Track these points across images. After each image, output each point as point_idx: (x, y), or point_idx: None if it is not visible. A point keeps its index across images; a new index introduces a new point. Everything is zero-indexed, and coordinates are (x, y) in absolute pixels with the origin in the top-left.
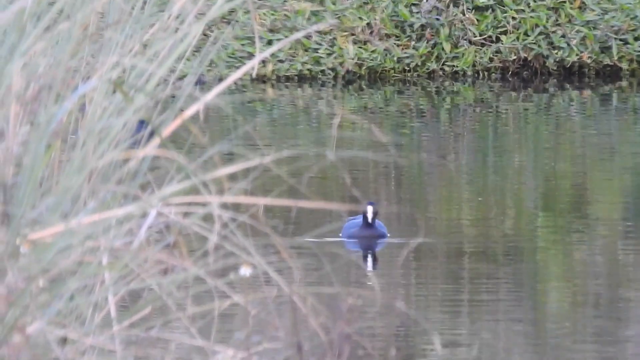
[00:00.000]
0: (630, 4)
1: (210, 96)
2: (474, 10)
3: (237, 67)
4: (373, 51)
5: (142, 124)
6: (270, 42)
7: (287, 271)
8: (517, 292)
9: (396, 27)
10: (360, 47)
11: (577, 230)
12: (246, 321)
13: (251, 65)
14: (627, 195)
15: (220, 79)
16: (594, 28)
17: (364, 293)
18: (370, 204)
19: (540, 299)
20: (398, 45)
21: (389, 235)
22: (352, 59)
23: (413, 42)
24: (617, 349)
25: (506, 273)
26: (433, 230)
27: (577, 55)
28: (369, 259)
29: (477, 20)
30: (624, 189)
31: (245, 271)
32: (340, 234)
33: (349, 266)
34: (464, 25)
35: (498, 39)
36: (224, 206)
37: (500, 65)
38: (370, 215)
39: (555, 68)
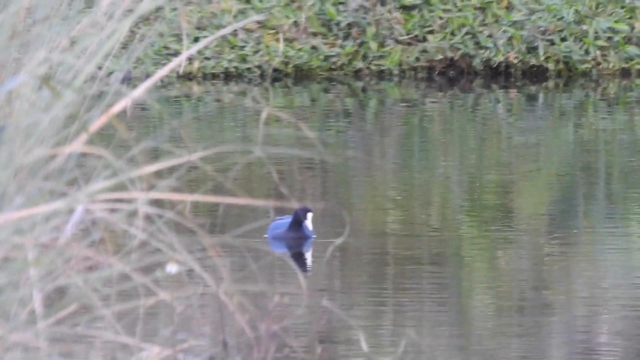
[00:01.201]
0: (556, 4)
1: (137, 93)
2: (400, 10)
3: (164, 64)
4: (300, 49)
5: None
6: (197, 40)
7: (214, 269)
8: (441, 293)
9: (323, 25)
10: (287, 45)
11: (502, 232)
12: (172, 318)
13: (178, 62)
14: (552, 197)
15: (147, 76)
16: (521, 28)
17: (290, 291)
18: (307, 210)
19: (465, 300)
20: (325, 44)
21: (314, 236)
22: (279, 56)
23: (340, 41)
24: (540, 351)
25: (431, 273)
26: (358, 230)
27: (503, 55)
28: (295, 258)
29: (404, 19)
30: (549, 191)
31: (171, 268)
32: (266, 234)
33: (275, 265)
34: (390, 24)
35: (425, 39)
36: (151, 203)
37: (427, 64)
38: (309, 223)
39: (481, 68)
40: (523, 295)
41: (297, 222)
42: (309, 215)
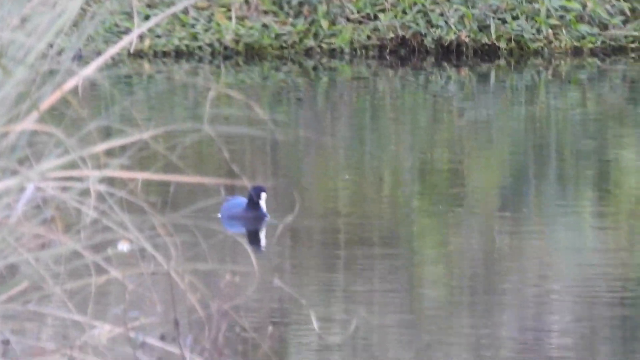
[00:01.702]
0: None
1: (88, 71)
2: None
3: (115, 42)
4: (251, 27)
5: None
6: (147, 17)
7: (165, 247)
8: (392, 273)
9: (274, 3)
10: (238, 23)
11: (453, 211)
12: (123, 296)
13: (129, 40)
14: (504, 176)
15: (98, 54)
16: (473, 7)
17: (241, 270)
18: (262, 189)
19: (416, 279)
20: (276, 22)
21: (269, 216)
22: (229, 35)
23: (291, 19)
24: (492, 330)
25: (382, 253)
26: (310, 209)
27: (455, 33)
28: (247, 237)
29: None
30: (500, 170)
31: (122, 246)
32: (220, 214)
33: (226, 244)
34: (341, 2)
35: (376, 17)
36: (102, 181)
37: (378, 43)
38: (263, 203)
39: (433, 46)
40: (474, 274)
41: (253, 202)
42: (263, 195)
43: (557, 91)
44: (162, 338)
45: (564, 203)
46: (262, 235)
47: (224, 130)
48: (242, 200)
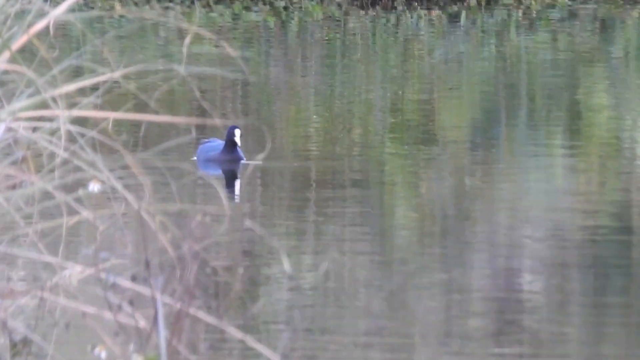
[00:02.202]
0: None
1: (59, 11)
2: None
3: None
4: None
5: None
6: None
7: (136, 188)
8: (363, 216)
9: None
10: None
11: (424, 153)
12: (94, 237)
13: None
14: (474, 117)
15: None
16: None
17: (212, 211)
18: (235, 127)
19: (387, 222)
20: None
21: (245, 158)
22: None
23: None
24: (463, 275)
25: (353, 196)
26: (281, 151)
27: None
28: (224, 179)
29: None
30: (471, 111)
31: (93, 187)
32: (196, 157)
33: (197, 184)
34: None
35: None
36: (73, 121)
37: None
38: (237, 139)
39: None
40: (445, 217)
41: (232, 143)
42: (237, 131)
43: (527, 31)
44: (133, 279)
45: (534, 143)
46: (238, 177)
47: (196, 70)
48: (219, 143)
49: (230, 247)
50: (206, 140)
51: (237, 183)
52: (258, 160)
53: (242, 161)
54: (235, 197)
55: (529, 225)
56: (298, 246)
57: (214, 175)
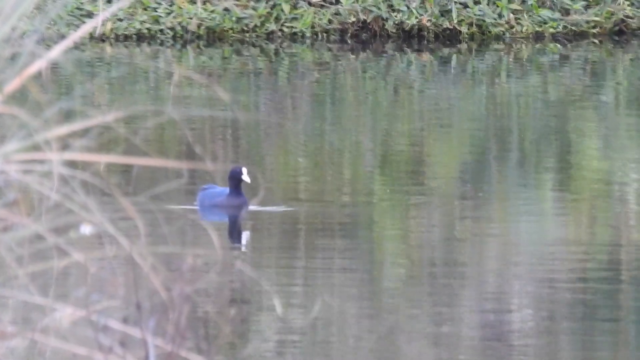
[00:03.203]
0: None
1: (53, 54)
2: None
3: (78, 25)
4: (212, 11)
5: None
6: (110, 1)
7: (127, 230)
8: (353, 258)
9: None
10: (200, 7)
11: (415, 197)
12: (85, 279)
13: (94, 24)
14: (465, 161)
15: (62, 37)
16: None
17: (204, 253)
18: (239, 167)
19: (376, 264)
20: (237, 5)
21: (249, 204)
22: (191, 18)
23: (252, 3)
24: (452, 322)
25: (343, 239)
26: (271, 195)
27: (416, 18)
28: (229, 225)
29: None
30: (462, 154)
31: (85, 229)
32: (198, 204)
33: (188, 227)
34: None
35: (337, 1)
36: (65, 164)
37: (339, 27)
38: (246, 177)
39: (394, 31)
40: (434, 260)
41: (238, 184)
42: (244, 170)
43: (518, 76)
44: (124, 321)
45: (524, 189)
46: (224, 220)
47: (186, 113)
48: (221, 189)
49: (221, 289)
50: (206, 186)
51: (243, 231)
52: (262, 206)
53: (248, 207)
54: (243, 246)
55: (518, 272)
56: (288, 290)
57: (218, 221)
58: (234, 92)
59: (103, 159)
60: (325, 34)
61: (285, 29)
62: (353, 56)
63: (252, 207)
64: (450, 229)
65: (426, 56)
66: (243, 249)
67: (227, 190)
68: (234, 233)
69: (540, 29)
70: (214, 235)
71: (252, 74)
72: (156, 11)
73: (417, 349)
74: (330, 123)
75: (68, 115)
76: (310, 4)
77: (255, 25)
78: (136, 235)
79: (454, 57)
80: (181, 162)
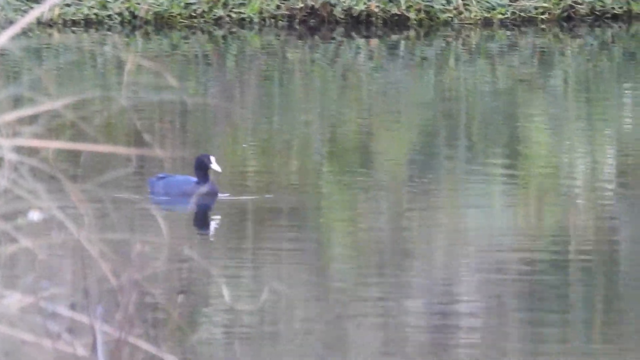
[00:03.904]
0: None
1: (1, 40)
2: None
3: (25, 11)
4: None
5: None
6: None
7: (76, 217)
8: (301, 244)
9: None
10: None
11: (363, 184)
12: (34, 266)
13: (42, 9)
14: (413, 148)
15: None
16: None
17: (153, 240)
18: (206, 155)
19: (325, 251)
20: None
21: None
22: (139, 3)
23: None
24: (400, 307)
25: (291, 224)
26: (219, 182)
27: (365, 4)
28: (197, 213)
29: None
30: (410, 141)
31: (33, 215)
32: (158, 191)
33: (136, 214)
34: None
35: None
36: (14, 150)
37: (288, 12)
38: (216, 166)
39: (342, 17)
40: (382, 247)
41: (204, 174)
42: (213, 158)
43: (466, 62)
44: (73, 308)
45: (472, 176)
46: (211, 212)
47: (136, 99)
48: (183, 177)
49: (169, 276)
50: (161, 175)
51: (211, 219)
52: (230, 194)
53: (218, 195)
54: (210, 234)
55: (466, 260)
56: (237, 277)
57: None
58: (183, 78)
59: (52, 145)
60: (273, 20)
61: (233, 15)
62: (301, 42)
63: (221, 195)
64: (398, 215)
65: (374, 42)
66: (211, 237)
67: (191, 178)
68: (203, 221)
69: (488, 15)
70: (162, 223)
71: (201, 60)
72: None
73: (365, 334)
74: (278, 109)
75: (16, 102)
76: None
77: (204, 11)
78: (85, 222)
79: (403, 43)
80: (130, 149)
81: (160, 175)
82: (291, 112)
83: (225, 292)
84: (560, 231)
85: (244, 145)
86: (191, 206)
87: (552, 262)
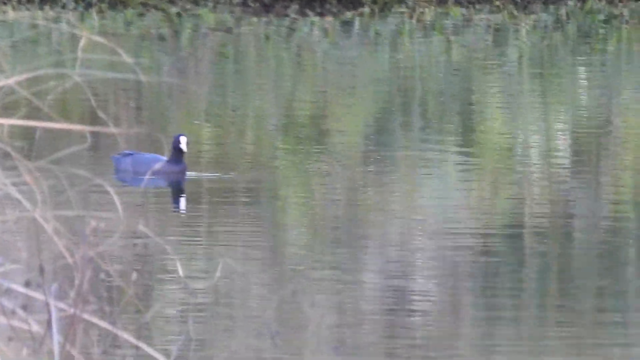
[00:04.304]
0: None
1: None
2: None
3: None
4: None
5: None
6: None
7: (31, 193)
8: (256, 220)
9: None
10: None
11: (318, 161)
12: None
13: None
14: (368, 124)
15: None
16: None
17: (107, 216)
18: (180, 135)
19: (280, 229)
20: None
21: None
22: None
23: None
24: (354, 276)
25: (246, 201)
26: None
27: None
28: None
29: None
30: (365, 118)
31: None
32: (125, 167)
33: (91, 191)
34: None
35: None
36: None
37: None
38: (184, 146)
39: None
40: (337, 224)
41: (179, 152)
42: (183, 139)
43: (421, 39)
44: (27, 284)
45: (427, 152)
46: (183, 189)
47: (90, 76)
48: (152, 155)
49: (124, 253)
50: (127, 152)
51: (183, 196)
52: (201, 172)
53: (186, 173)
54: (182, 210)
55: (421, 231)
56: (192, 252)
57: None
58: (137, 55)
59: (6, 122)
60: None
61: None
62: (255, 19)
63: (190, 174)
64: (353, 192)
65: (329, 19)
66: (183, 214)
67: (158, 156)
68: (174, 198)
69: None
70: (117, 199)
71: (155, 37)
72: None
73: (320, 312)
74: (232, 86)
75: None
76: None
77: None
78: (39, 199)
79: (357, 20)
80: (84, 126)
81: (126, 152)
82: (245, 89)
83: (180, 268)
84: (514, 206)
85: (195, 122)
86: (161, 184)
87: (507, 237)
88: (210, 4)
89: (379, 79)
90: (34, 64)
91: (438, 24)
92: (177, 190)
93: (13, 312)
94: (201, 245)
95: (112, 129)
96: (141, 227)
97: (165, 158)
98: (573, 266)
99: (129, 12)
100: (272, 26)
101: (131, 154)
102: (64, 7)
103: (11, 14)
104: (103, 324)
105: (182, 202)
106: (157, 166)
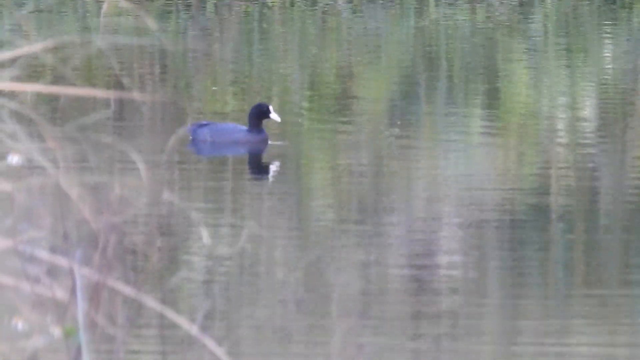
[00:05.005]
0: None
1: None
2: None
3: None
4: None
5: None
6: None
7: (55, 160)
8: (281, 189)
9: None
10: None
11: (343, 128)
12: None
13: None
14: (392, 89)
15: None
16: None
17: (132, 183)
18: (263, 104)
19: (305, 200)
20: None
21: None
22: None
23: None
24: (381, 252)
25: (271, 169)
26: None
27: None
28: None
29: None
30: (390, 85)
31: (12, 159)
32: (197, 140)
33: (115, 158)
34: None
35: None
36: None
37: None
38: (275, 116)
39: None
40: (362, 192)
41: (259, 122)
42: (272, 107)
43: (446, 4)
44: (52, 250)
45: (453, 116)
46: (263, 158)
47: (114, 42)
48: (230, 125)
49: (148, 219)
50: (203, 122)
51: (269, 164)
52: (282, 142)
53: (269, 141)
54: (270, 177)
55: (447, 202)
56: (216, 220)
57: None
58: (162, 20)
59: (31, 88)
60: None
61: None
62: None
63: (271, 143)
64: (379, 160)
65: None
66: (271, 180)
67: (237, 125)
68: (257, 166)
69: None
70: (142, 166)
71: (180, 3)
72: None
73: (345, 279)
74: (258, 53)
75: None
76: None
77: None
78: (64, 164)
79: None
80: (109, 92)
81: (203, 122)
82: (271, 56)
83: (204, 234)
84: (540, 173)
85: (213, 88)
86: (242, 152)
87: (532, 204)
88: None
89: (404, 44)
90: (59, 30)
91: None
92: (258, 159)
93: (37, 279)
94: (226, 212)
95: (136, 95)
96: (166, 195)
97: (243, 127)
98: (599, 231)
99: None
100: None
101: (207, 124)
102: None
103: None
104: (128, 290)
105: (272, 167)
106: (239, 135)
